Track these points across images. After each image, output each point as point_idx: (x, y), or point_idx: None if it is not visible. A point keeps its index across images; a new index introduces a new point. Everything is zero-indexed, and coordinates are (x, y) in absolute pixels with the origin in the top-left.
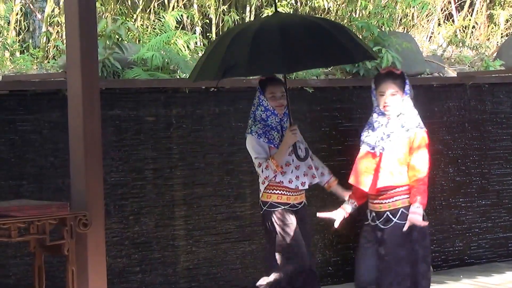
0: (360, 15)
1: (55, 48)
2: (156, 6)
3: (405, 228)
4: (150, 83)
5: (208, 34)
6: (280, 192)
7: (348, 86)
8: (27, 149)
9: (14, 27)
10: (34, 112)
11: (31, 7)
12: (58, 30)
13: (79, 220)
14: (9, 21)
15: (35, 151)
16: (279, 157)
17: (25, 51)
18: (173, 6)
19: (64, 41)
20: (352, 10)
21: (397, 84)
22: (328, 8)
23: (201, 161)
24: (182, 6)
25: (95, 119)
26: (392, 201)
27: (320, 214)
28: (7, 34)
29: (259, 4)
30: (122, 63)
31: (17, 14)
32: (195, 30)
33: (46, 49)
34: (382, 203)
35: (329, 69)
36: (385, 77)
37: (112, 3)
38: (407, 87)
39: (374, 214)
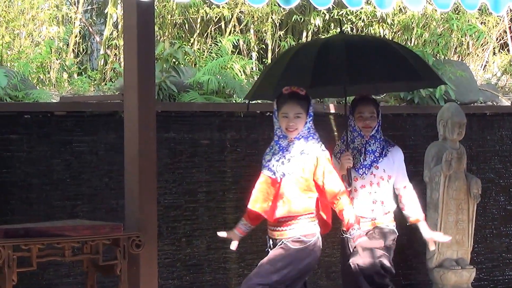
0: (416, 43)
1: (112, 71)
2: (213, 30)
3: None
4: (205, 106)
5: (264, 60)
6: None
7: (402, 113)
8: (83, 169)
9: (73, 49)
10: (90, 134)
11: (90, 29)
12: (115, 53)
13: (132, 241)
14: (68, 43)
15: (90, 172)
16: None
17: (83, 73)
18: (230, 31)
19: (122, 64)
20: (407, 38)
21: (302, 106)
22: (384, 36)
23: (254, 185)
24: (239, 31)
25: (150, 141)
26: (290, 229)
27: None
28: (66, 56)
29: (315, 30)
30: (178, 87)
31: (76, 36)
32: (251, 55)
33: (104, 71)
34: (280, 230)
35: (382, 96)
36: (289, 98)
37: (170, 27)
38: (311, 109)
39: (271, 243)
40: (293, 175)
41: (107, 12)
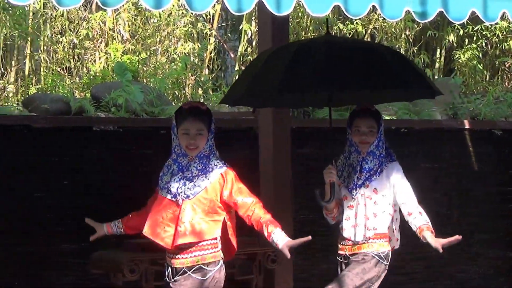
0: None
1: None
2: None
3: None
4: (339, 122)
5: None
6: (339, 241)
7: None
8: None
9: (208, 65)
10: (225, 149)
11: (225, 46)
12: None
13: (267, 256)
14: (203, 59)
15: None
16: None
17: (217, 89)
18: None
19: None
20: None
21: (204, 122)
22: None
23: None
24: None
25: (285, 157)
26: (191, 257)
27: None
28: (201, 72)
29: (449, 46)
30: None
31: (211, 52)
32: None
33: None
34: (180, 258)
35: None
36: (190, 113)
37: None
38: (213, 126)
39: (170, 271)
40: (196, 196)
41: (241, 28)
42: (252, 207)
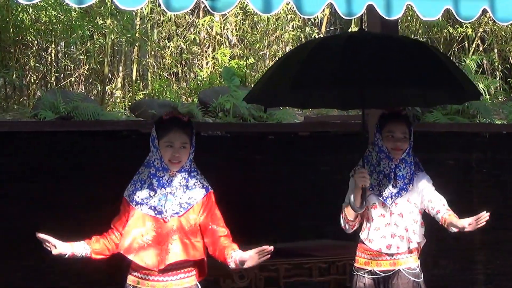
0: None
1: None
2: (456, 50)
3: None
4: (449, 127)
5: (508, 79)
6: (359, 254)
7: None
8: (327, 189)
9: None
10: (334, 154)
11: None
12: None
13: None
14: None
15: (334, 192)
16: (348, 205)
17: None
18: (473, 50)
19: None
20: None
21: (187, 135)
22: None
23: (501, 205)
24: (483, 51)
25: None
26: (176, 279)
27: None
28: None
29: None
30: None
31: None
32: (495, 74)
33: None
34: (165, 280)
35: None
36: (173, 124)
37: None
38: (193, 139)
39: None
40: (184, 214)
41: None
42: (219, 234)
